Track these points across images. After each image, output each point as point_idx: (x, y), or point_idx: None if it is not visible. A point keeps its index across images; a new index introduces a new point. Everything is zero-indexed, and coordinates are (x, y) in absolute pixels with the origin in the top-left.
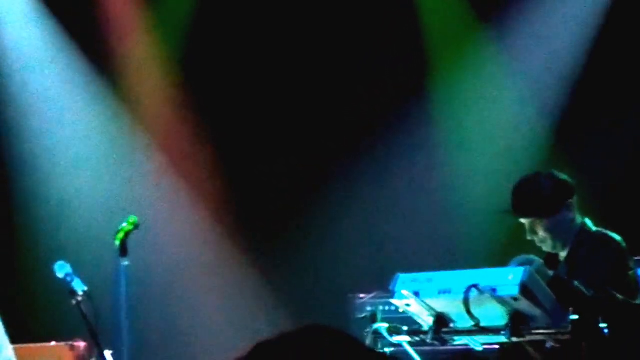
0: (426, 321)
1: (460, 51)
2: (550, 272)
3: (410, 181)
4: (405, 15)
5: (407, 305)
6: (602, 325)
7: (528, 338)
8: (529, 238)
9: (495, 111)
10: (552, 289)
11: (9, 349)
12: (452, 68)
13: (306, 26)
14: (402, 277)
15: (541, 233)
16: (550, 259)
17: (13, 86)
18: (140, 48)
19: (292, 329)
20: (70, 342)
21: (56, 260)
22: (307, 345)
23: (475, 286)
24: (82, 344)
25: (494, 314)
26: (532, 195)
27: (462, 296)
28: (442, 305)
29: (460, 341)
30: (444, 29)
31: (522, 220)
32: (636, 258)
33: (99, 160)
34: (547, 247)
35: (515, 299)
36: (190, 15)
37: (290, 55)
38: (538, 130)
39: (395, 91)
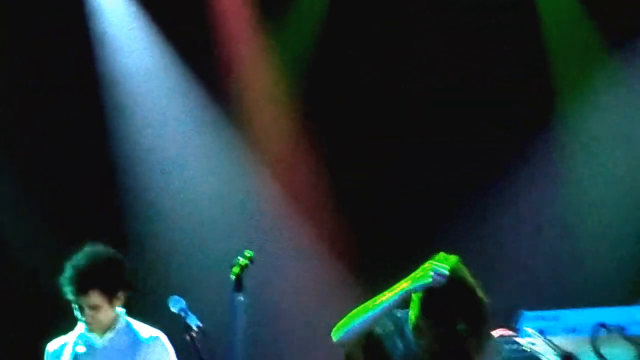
0: None
1: (588, 80)
2: None
3: (534, 213)
4: (531, 44)
5: (532, 344)
6: None
7: None
8: None
9: (627, 144)
10: None
11: None
12: (581, 99)
13: (434, 54)
14: (527, 315)
15: None
16: None
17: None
18: (257, 70)
19: None
20: None
21: (170, 295)
22: None
23: (602, 325)
24: None
25: (624, 355)
26: None
27: (588, 335)
28: (568, 344)
29: None
30: (570, 57)
31: None
32: None
33: (214, 192)
34: None
35: None
36: (310, 39)
37: (411, 83)
38: None
39: (521, 123)
